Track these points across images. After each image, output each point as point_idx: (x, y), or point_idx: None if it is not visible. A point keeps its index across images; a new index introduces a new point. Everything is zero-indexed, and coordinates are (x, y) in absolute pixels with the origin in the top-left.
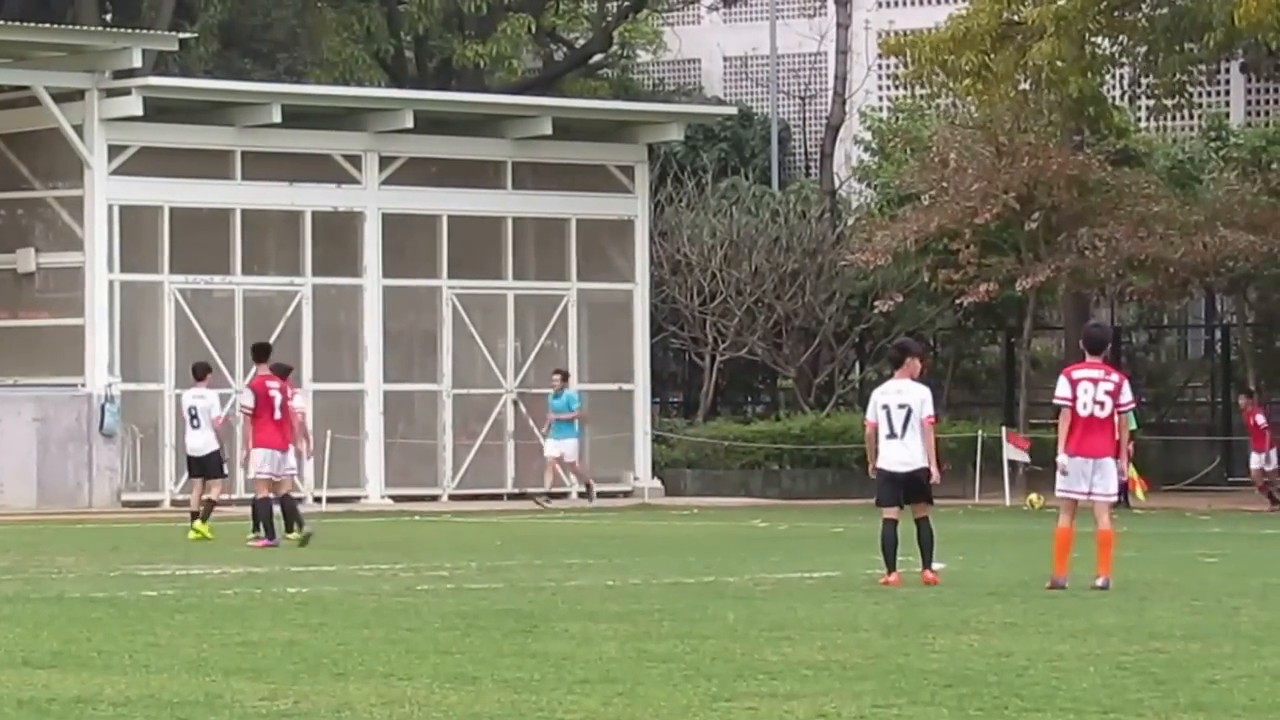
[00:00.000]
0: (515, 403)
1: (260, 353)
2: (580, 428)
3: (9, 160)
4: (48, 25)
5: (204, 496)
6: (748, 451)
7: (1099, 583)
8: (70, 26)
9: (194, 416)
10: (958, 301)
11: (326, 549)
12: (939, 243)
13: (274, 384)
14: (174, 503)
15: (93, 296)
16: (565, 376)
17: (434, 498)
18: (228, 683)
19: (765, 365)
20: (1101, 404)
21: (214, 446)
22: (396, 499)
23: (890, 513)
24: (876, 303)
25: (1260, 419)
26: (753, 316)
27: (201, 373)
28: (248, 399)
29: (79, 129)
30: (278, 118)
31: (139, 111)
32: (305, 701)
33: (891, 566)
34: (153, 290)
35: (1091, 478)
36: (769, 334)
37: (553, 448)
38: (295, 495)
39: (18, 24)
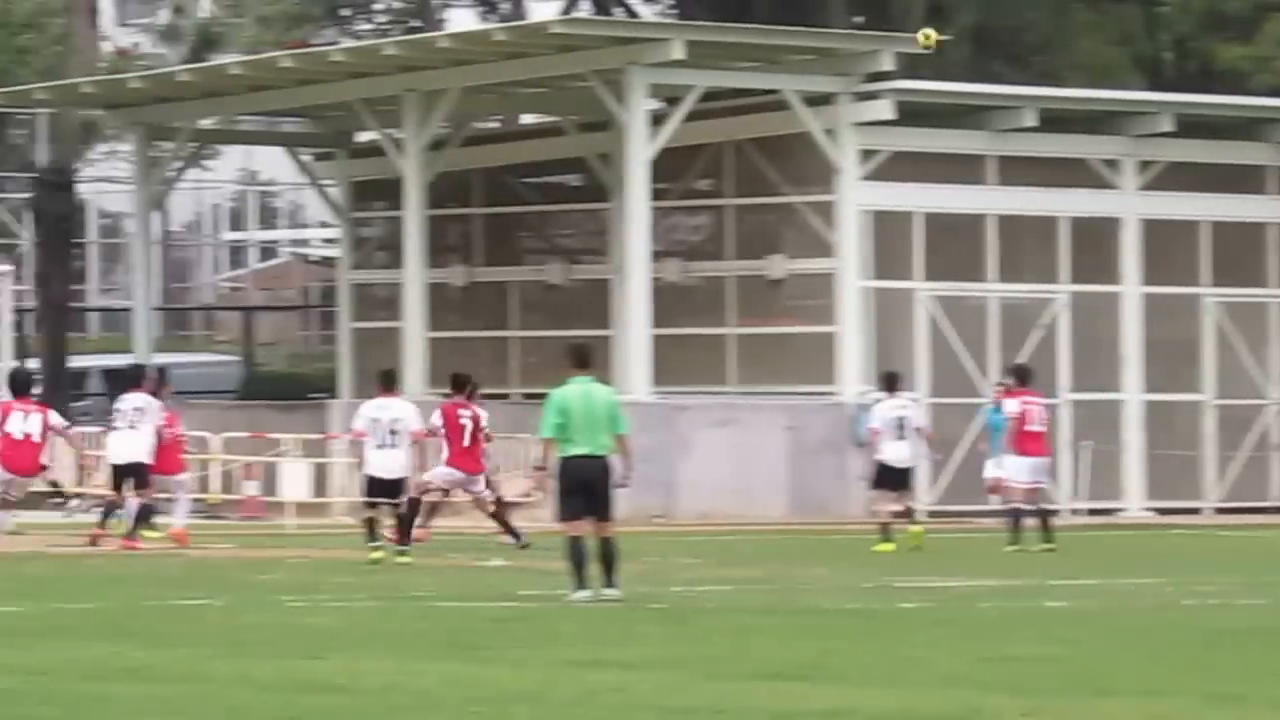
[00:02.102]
0: None
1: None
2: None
3: (758, 165)
4: (798, 28)
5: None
6: None
7: None
8: (820, 29)
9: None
10: None
11: (1086, 561)
12: None
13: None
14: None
15: (844, 304)
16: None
17: (1196, 510)
18: (986, 698)
19: None
20: None
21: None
22: (1158, 511)
23: None
24: None
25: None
26: None
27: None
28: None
29: (829, 134)
30: (1032, 121)
31: (890, 115)
32: (1067, 718)
33: None
34: (904, 298)
35: None
36: None
37: (993, 469)
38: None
39: (768, 27)
